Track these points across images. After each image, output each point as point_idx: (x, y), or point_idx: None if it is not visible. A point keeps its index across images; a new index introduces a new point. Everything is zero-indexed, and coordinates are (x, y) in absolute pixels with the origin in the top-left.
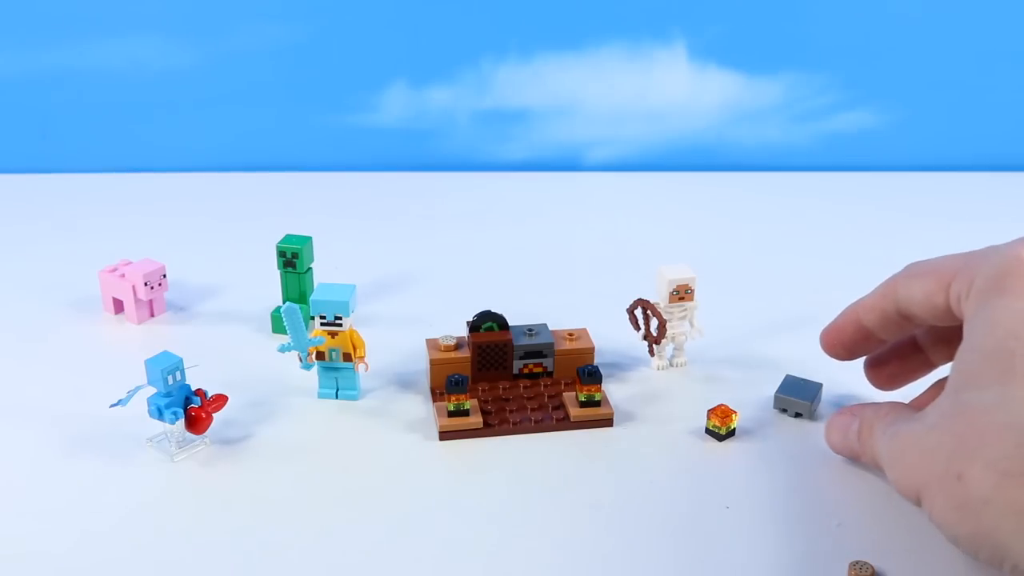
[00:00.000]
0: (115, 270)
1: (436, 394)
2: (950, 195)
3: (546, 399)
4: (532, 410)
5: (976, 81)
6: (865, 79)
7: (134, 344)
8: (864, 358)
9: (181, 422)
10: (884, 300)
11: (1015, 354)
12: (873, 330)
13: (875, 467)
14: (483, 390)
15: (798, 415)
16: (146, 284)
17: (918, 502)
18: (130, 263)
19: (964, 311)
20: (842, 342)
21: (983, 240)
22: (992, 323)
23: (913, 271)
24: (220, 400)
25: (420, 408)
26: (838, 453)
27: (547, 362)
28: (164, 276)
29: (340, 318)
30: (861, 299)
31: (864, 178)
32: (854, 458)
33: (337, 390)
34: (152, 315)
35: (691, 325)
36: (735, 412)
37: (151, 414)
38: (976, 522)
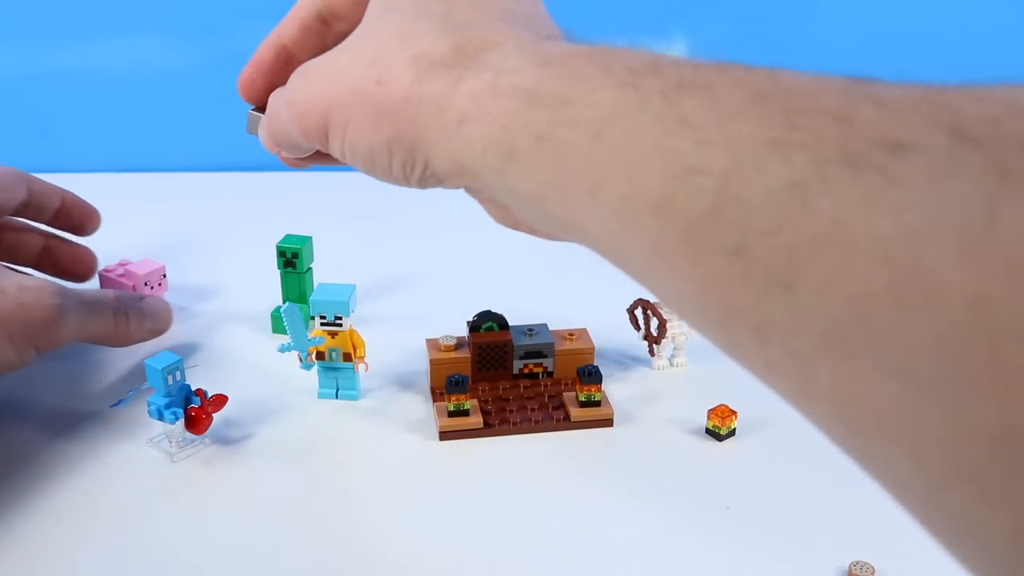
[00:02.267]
0: (115, 270)
1: (436, 394)
2: None
3: (546, 399)
4: (532, 410)
5: (976, 81)
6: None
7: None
8: None
9: (181, 422)
10: (304, 7)
11: None
12: (294, 49)
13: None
14: (483, 390)
15: None
16: (146, 284)
17: (323, 135)
18: (130, 263)
19: None
20: (261, 71)
21: None
22: None
23: None
24: (220, 400)
25: (420, 408)
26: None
27: (547, 362)
28: (164, 276)
29: (340, 318)
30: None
31: None
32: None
33: (337, 390)
34: None
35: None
36: (735, 412)
37: (151, 414)
38: (392, 125)
